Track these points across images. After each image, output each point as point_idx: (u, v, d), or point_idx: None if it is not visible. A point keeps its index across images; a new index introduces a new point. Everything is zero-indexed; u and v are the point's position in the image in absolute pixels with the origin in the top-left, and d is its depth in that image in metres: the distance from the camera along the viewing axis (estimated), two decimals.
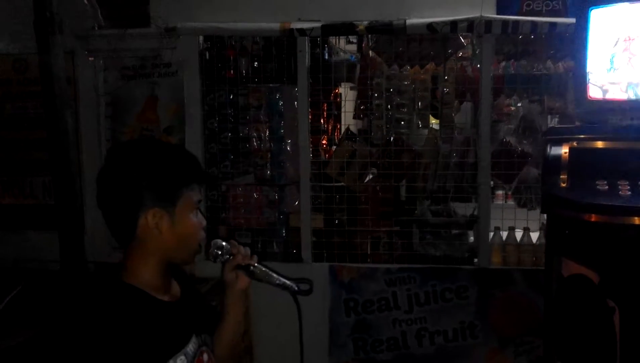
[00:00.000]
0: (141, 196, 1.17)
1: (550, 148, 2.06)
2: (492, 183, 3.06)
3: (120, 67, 3.21)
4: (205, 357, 1.29)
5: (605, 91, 2.09)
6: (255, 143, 3.22)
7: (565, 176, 1.98)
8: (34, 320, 2.61)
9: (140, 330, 1.13)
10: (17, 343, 2.30)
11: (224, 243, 1.35)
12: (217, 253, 1.34)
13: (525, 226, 3.03)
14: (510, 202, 3.18)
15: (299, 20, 2.99)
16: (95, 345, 1.09)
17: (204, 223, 1.27)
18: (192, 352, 1.24)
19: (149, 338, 1.14)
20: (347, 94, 3.33)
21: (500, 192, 3.39)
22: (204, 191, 3.22)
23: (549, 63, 2.95)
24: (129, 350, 1.10)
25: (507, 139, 3.07)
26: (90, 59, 3.22)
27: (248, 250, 1.37)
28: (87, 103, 3.25)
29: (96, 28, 3.15)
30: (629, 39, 2.02)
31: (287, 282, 1.37)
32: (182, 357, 1.21)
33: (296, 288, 1.36)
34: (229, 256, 1.34)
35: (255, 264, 1.36)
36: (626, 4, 2.03)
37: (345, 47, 3.40)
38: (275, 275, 1.37)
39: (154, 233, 1.18)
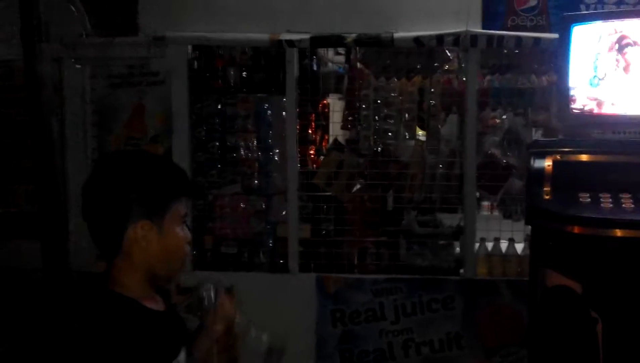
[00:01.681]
0: (130, 208, 1.16)
1: (534, 160, 2.10)
2: (477, 194, 3.09)
3: (108, 75, 3.21)
4: None
5: (587, 105, 2.13)
6: (242, 153, 3.22)
7: (549, 189, 2.01)
8: (16, 328, 2.57)
9: (136, 339, 1.13)
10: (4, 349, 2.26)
11: (212, 292, 1.33)
12: (203, 296, 1.33)
13: (510, 237, 3.07)
14: (496, 213, 3.21)
15: (288, 31, 3.01)
16: (93, 356, 1.08)
17: (190, 237, 1.27)
18: (184, 361, 1.24)
19: (146, 346, 1.13)
20: (334, 105, 3.35)
21: (486, 203, 3.43)
22: (190, 201, 3.21)
23: (533, 77, 3.01)
24: (126, 359, 1.09)
25: (492, 151, 3.11)
26: (77, 66, 3.20)
27: (232, 305, 1.36)
28: (73, 111, 3.23)
29: (84, 36, 3.13)
30: (610, 54, 2.08)
31: (266, 341, 1.35)
32: None
33: (268, 347, 1.35)
34: (213, 304, 1.33)
35: (237, 321, 1.34)
36: (607, 22, 2.09)
37: (334, 59, 3.43)
38: (253, 331, 1.36)
39: (142, 245, 1.17)
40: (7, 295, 2.99)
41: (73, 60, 3.18)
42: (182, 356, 1.24)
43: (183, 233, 1.24)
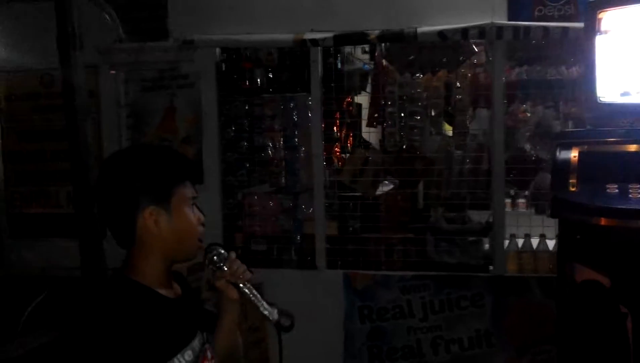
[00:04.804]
0: (136, 197, 1.22)
1: (560, 151, 2.05)
2: (512, 191, 3.03)
3: (140, 80, 3.33)
4: (208, 353, 1.32)
5: (615, 95, 2.06)
6: (270, 152, 3.28)
7: (575, 180, 1.97)
8: (57, 323, 2.71)
9: (149, 325, 1.17)
10: (40, 344, 2.39)
11: (222, 251, 1.34)
12: (213, 260, 1.33)
13: (542, 233, 2.99)
14: (522, 210, 3.14)
15: (312, 30, 3.05)
16: (108, 341, 1.13)
17: (202, 218, 1.30)
18: (198, 348, 1.28)
19: (158, 333, 1.18)
20: (360, 102, 3.36)
21: (521, 201, 3.35)
22: (221, 199, 3.29)
23: (563, 68, 2.93)
24: (139, 345, 1.14)
25: (522, 146, 3.04)
26: (112, 72, 3.34)
27: (243, 267, 1.35)
28: (109, 115, 3.37)
29: (117, 42, 3.27)
30: (637, 41, 2.00)
31: (271, 315, 1.32)
32: (189, 352, 1.25)
33: (276, 320, 1.32)
34: (223, 266, 1.33)
35: (245, 285, 1.33)
36: (635, 6, 2.01)
37: (360, 56, 3.44)
38: (261, 303, 1.33)
39: (153, 231, 1.22)
40: (48, 294, 3.16)
41: (108, 66, 3.32)
42: (196, 341, 1.28)
43: (193, 214, 1.28)
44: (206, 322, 1.39)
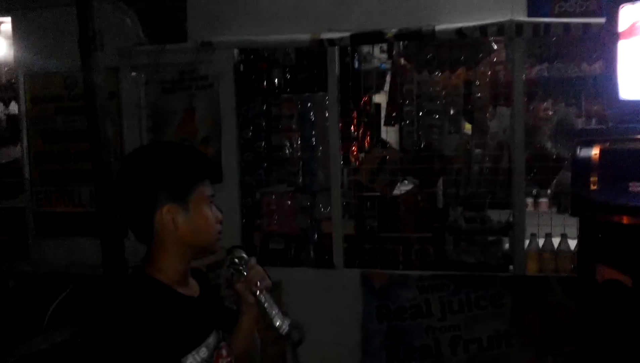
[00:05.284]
0: (155, 194, 1.23)
1: (580, 149, 2.02)
2: (534, 191, 2.99)
3: (160, 81, 3.37)
4: (224, 352, 1.34)
5: (637, 91, 2.02)
6: (287, 152, 3.30)
7: (596, 178, 1.93)
8: (80, 319, 2.78)
9: (163, 323, 1.19)
10: (63, 339, 2.45)
11: (244, 255, 1.35)
12: (234, 262, 1.34)
13: (563, 232, 2.94)
14: (543, 209, 3.10)
15: (329, 30, 3.05)
16: (124, 338, 1.16)
17: (220, 216, 1.31)
18: (213, 345, 1.30)
19: (172, 330, 1.20)
20: (378, 101, 3.35)
21: (543, 200, 3.31)
22: (239, 198, 3.32)
23: (585, 65, 2.88)
24: (154, 342, 1.16)
25: (544, 144, 3.00)
26: (132, 74, 3.40)
27: (260, 275, 1.35)
28: (129, 116, 3.43)
29: (138, 45, 3.32)
30: None
31: (281, 327, 1.32)
32: (204, 349, 1.26)
33: (285, 332, 1.32)
34: (242, 270, 1.34)
35: (262, 293, 1.33)
36: None
37: (377, 55, 3.43)
38: (274, 314, 1.32)
39: (171, 228, 1.24)
40: (72, 290, 3.23)
41: (128, 68, 3.37)
42: (211, 339, 1.30)
43: (212, 212, 1.29)
44: (224, 319, 1.40)
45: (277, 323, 1.32)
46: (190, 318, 1.26)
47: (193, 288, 1.33)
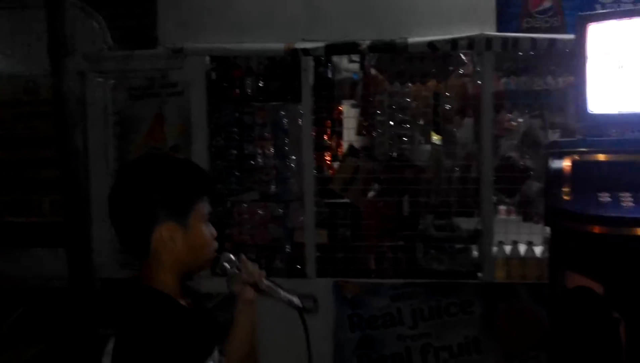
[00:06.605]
0: (154, 211, 1.18)
1: (553, 161, 2.09)
2: (495, 198, 3.08)
3: (128, 88, 3.28)
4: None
5: (605, 105, 2.12)
6: (260, 160, 3.27)
7: (568, 189, 2.00)
8: (40, 335, 2.64)
9: (181, 334, 1.16)
10: (31, 355, 2.32)
11: (233, 257, 1.35)
12: (225, 267, 1.33)
13: (529, 240, 3.04)
14: (514, 217, 3.20)
15: (303, 40, 3.06)
16: (154, 350, 1.11)
17: (215, 233, 1.29)
18: (217, 358, 1.27)
19: (188, 341, 1.16)
20: (349, 111, 3.38)
21: (503, 208, 3.41)
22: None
23: (549, 79, 3.00)
24: (177, 353, 1.12)
25: (509, 154, 3.10)
26: (99, 79, 3.29)
27: (256, 266, 1.37)
28: (96, 123, 3.31)
29: (105, 50, 3.22)
30: (626, 54, 2.07)
31: (293, 300, 1.36)
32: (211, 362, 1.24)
33: (301, 306, 1.36)
34: (237, 270, 1.34)
35: (263, 280, 1.36)
36: (622, 20, 2.08)
37: (349, 66, 3.46)
38: (281, 292, 1.37)
39: (169, 246, 1.20)
40: (30, 305, 3.07)
41: (95, 73, 3.26)
42: (215, 354, 1.27)
43: (208, 230, 1.26)
44: (221, 332, 1.38)
45: (294, 300, 1.36)
46: (197, 330, 1.23)
47: (188, 302, 1.30)
